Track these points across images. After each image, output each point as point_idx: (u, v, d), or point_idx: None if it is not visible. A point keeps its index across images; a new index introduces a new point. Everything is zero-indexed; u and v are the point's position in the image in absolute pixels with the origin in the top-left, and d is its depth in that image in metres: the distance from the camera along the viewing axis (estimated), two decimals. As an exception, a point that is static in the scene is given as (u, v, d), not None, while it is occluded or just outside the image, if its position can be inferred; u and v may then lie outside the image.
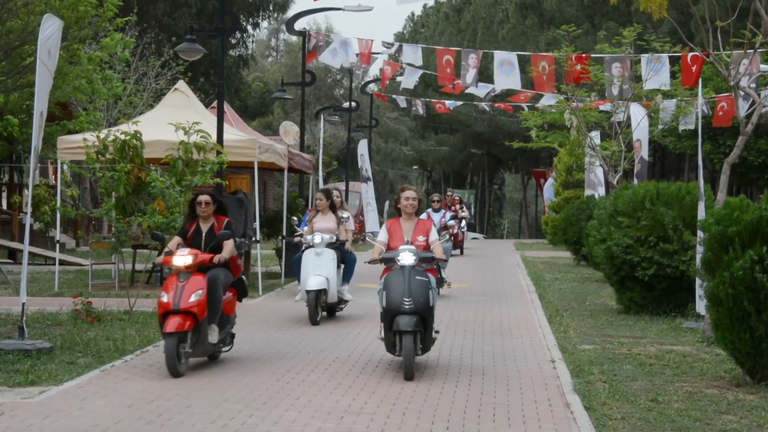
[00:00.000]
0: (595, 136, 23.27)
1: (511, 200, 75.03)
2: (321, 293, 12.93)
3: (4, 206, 25.99)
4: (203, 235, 9.86)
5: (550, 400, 8.37)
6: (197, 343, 9.30)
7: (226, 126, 16.81)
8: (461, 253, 28.54)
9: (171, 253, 9.61)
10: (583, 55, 21.27)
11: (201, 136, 13.83)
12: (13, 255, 23.14)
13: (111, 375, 9.14)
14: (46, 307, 13.71)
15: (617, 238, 14.03)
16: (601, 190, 27.58)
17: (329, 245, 13.17)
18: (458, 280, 19.92)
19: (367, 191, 33.45)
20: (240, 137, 17.63)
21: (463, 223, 30.67)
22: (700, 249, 12.27)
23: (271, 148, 18.11)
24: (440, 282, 15.67)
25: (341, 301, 13.60)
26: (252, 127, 31.93)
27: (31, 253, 16.64)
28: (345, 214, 14.24)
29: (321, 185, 29.14)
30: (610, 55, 20.73)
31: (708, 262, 9.36)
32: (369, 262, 9.74)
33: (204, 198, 9.94)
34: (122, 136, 13.26)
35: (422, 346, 9.27)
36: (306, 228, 13.68)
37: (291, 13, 49.01)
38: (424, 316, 9.05)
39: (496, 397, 8.45)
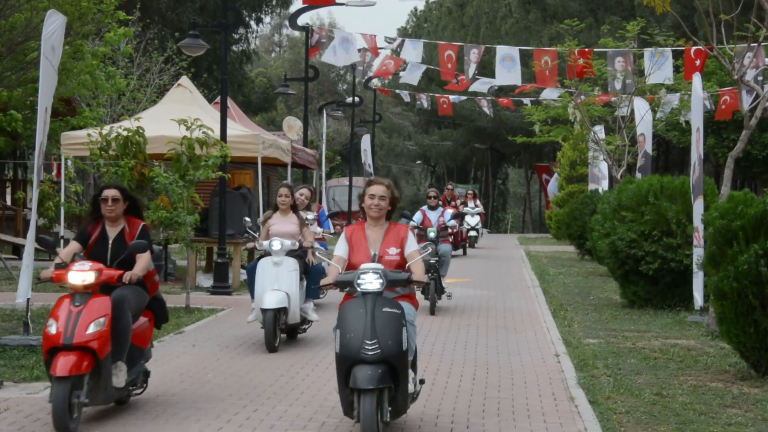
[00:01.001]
0: (599, 130, 23.25)
1: (515, 195, 74.98)
2: (280, 312, 10.45)
3: (8, 202, 26.00)
4: (110, 242, 7.58)
5: (554, 394, 8.37)
6: (96, 389, 6.96)
7: (229, 121, 16.81)
8: (464, 253, 26.42)
9: (65, 266, 7.27)
10: (586, 50, 21.26)
11: (203, 132, 13.83)
12: (18, 251, 23.16)
13: (116, 370, 9.12)
14: (50, 303, 13.72)
15: (621, 233, 14.02)
16: (605, 184, 27.52)
17: (290, 253, 10.70)
18: (461, 274, 19.92)
19: (370, 186, 33.44)
20: (243, 132, 17.63)
21: (476, 219, 27.99)
22: (696, 243, 12.30)
23: (275, 144, 18.12)
24: (439, 292, 13.85)
25: (304, 321, 11.09)
26: (255, 122, 31.92)
27: (35, 249, 16.61)
28: (310, 215, 12.82)
29: (324, 180, 29.09)
30: (613, 50, 20.72)
31: (712, 256, 9.35)
32: (319, 288, 7.00)
33: (111, 193, 7.57)
34: (125, 132, 13.27)
35: (391, 409, 6.53)
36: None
37: (294, 8, 48.96)
38: (394, 365, 6.44)
39: (500, 392, 8.45)
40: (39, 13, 12.42)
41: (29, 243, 10.97)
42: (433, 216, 14.61)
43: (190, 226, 13.83)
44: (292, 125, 32.50)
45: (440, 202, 14.98)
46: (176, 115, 14.35)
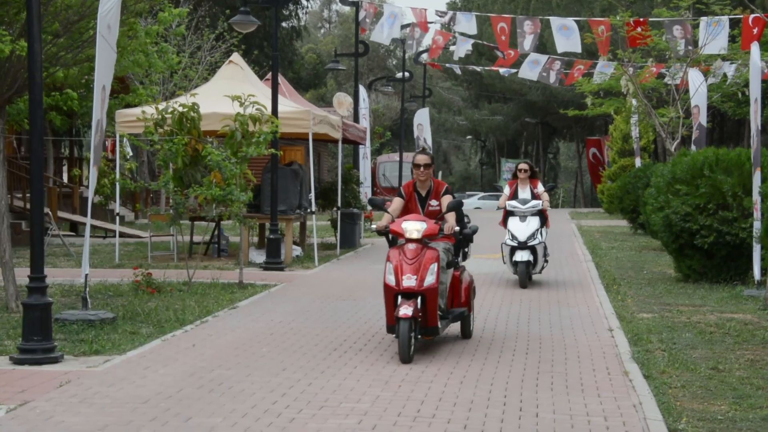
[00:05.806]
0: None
1: (566, 169, 74.35)
2: None
3: (65, 180, 26.45)
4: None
5: (608, 368, 8.33)
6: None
7: (280, 98, 16.88)
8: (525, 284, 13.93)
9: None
10: (641, 20, 20.97)
11: (256, 108, 13.90)
12: (75, 228, 23.59)
13: (172, 345, 9.29)
14: (107, 279, 13.97)
15: (675, 206, 13.86)
16: (637, 162, 27.48)
17: None
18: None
19: (424, 161, 33.23)
20: (294, 108, 17.70)
21: (533, 225, 13.95)
22: (756, 216, 12.10)
23: (325, 119, 18.16)
24: None
25: None
26: (305, 98, 32.02)
27: (91, 226, 16.95)
28: None
29: (369, 157, 28.68)
30: (670, 19, 20.42)
31: (769, 230, 9.21)
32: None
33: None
34: (180, 108, 13.39)
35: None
36: None
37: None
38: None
39: (553, 366, 8.43)
40: (93, -9, 12.49)
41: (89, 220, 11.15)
42: None
43: (242, 203, 13.94)
44: (342, 101, 32.48)
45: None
46: (228, 92, 14.44)
